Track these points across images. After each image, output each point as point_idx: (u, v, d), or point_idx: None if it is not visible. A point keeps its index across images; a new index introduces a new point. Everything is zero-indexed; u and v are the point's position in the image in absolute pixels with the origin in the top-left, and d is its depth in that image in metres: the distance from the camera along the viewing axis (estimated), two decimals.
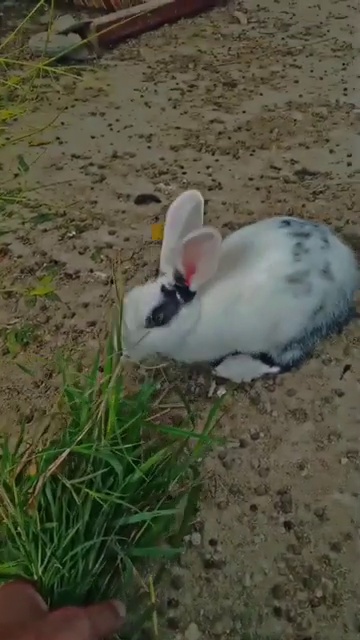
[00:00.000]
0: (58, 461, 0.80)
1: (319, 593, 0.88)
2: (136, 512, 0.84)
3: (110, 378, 0.86)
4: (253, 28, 3.21)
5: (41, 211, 1.72)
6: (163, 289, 1.00)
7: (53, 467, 0.80)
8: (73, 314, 1.37)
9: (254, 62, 2.76)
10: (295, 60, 2.77)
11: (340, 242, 1.16)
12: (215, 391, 1.18)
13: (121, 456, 0.82)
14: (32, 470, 0.84)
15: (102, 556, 0.79)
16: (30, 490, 0.81)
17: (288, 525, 0.96)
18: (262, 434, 1.10)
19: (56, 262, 1.53)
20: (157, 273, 1.04)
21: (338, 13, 3.39)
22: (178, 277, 0.99)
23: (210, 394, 1.18)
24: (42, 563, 0.77)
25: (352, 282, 1.17)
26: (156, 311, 0.99)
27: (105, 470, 0.82)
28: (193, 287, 1.00)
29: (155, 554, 0.90)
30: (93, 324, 1.34)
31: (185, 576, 0.90)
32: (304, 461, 1.06)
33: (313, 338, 1.16)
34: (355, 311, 1.28)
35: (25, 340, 1.28)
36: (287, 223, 1.11)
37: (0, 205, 1.65)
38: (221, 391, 1.18)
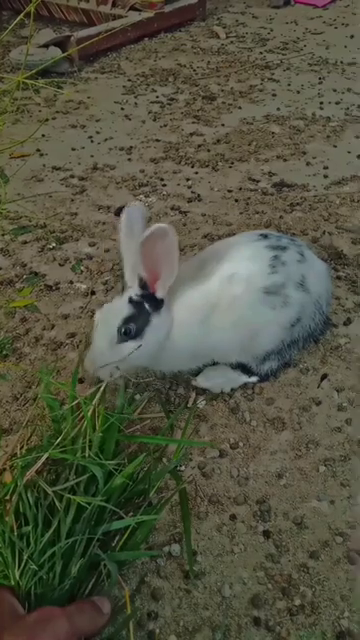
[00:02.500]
0: (36, 466, 0.80)
1: (298, 601, 0.88)
2: (119, 518, 0.83)
3: (94, 392, 0.86)
4: (232, 42, 3.27)
5: (21, 223, 1.72)
6: (130, 300, 1.00)
7: (31, 471, 0.80)
8: (53, 326, 1.37)
9: (233, 76, 2.81)
10: (273, 74, 2.83)
11: (316, 256, 1.19)
12: (195, 401, 1.19)
13: (102, 463, 0.82)
14: (7, 477, 0.84)
15: (83, 560, 0.78)
16: (7, 497, 0.80)
17: (267, 534, 0.97)
18: (241, 443, 1.11)
19: (36, 274, 1.53)
20: (123, 289, 1.04)
21: (314, 29, 3.48)
22: (143, 285, 1.00)
23: (190, 404, 1.18)
24: (19, 567, 0.76)
25: (327, 295, 1.21)
26: (127, 321, 0.99)
27: (86, 476, 0.81)
28: (159, 294, 1.00)
29: (138, 557, 0.89)
30: (73, 336, 1.34)
31: (165, 587, 0.90)
32: (283, 470, 1.07)
33: (290, 350, 1.19)
34: (331, 322, 1.31)
35: (4, 352, 1.27)
36: (265, 236, 1.13)
37: None
38: (201, 401, 1.19)
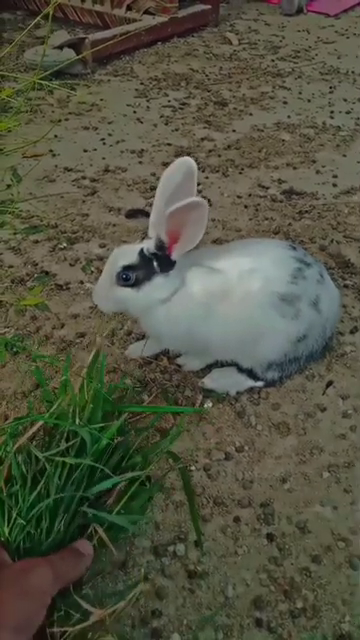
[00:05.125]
0: (30, 431, 0.88)
1: (300, 604, 0.90)
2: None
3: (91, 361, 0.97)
4: (244, 49, 3.30)
5: (33, 222, 1.74)
6: (141, 253, 1.02)
7: (24, 438, 0.87)
8: (63, 325, 1.38)
9: (244, 82, 2.83)
10: (284, 82, 2.85)
11: (331, 281, 1.20)
12: (202, 404, 1.20)
13: (91, 431, 0.89)
14: None
15: (68, 515, 0.84)
16: None
17: (270, 537, 0.98)
18: (247, 447, 1.13)
19: (47, 273, 1.55)
20: (145, 236, 1.06)
21: (326, 38, 3.50)
22: (159, 246, 1.01)
23: (196, 406, 1.20)
24: (8, 524, 0.82)
25: (334, 321, 1.23)
26: (127, 269, 1.02)
27: (75, 441, 0.89)
28: (174, 256, 1.02)
29: (124, 521, 0.90)
30: (82, 335, 1.35)
31: (169, 587, 0.91)
32: (287, 474, 1.08)
33: (291, 365, 1.20)
34: (329, 346, 1.31)
35: (15, 350, 1.29)
36: (294, 248, 1.15)
37: None
38: (207, 404, 1.20)
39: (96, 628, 0.78)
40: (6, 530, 0.82)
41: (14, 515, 0.82)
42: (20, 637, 0.68)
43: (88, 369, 1.01)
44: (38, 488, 0.84)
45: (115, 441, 0.95)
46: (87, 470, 0.88)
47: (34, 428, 0.90)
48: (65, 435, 0.91)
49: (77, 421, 0.92)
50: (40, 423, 0.91)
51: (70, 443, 0.89)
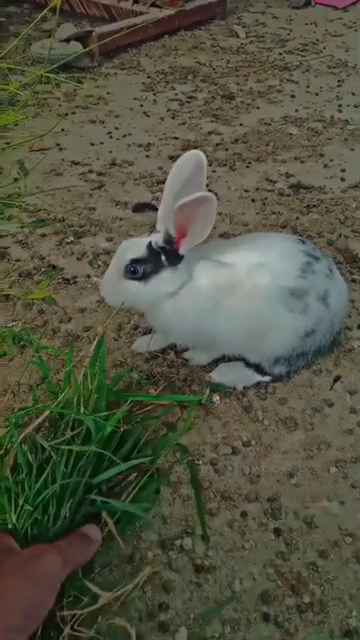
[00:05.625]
0: (37, 421, 0.89)
1: (307, 599, 0.89)
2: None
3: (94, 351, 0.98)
4: (251, 42, 3.27)
5: (40, 216, 1.74)
6: (149, 246, 1.02)
7: (30, 428, 0.88)
8: (70, 319, 1.38)
9: (252, 76, 2.81)
10: (292, 75, 2.83)
11: (340, 276, 1.19)
12: (209, 398, 1.20)
13: (95, 419, 0.90)
14: (1, 432, 0.93)
15: (74, 500, 0.85)
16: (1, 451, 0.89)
17: (277, 532, 0.98)
18: (253, 442, 1.12)
19: (54, 267, 1.55)
20: (153, 229, 1.05)
21: (334, 31, 3.47)
22: (167, 240, 1.01)
23: (203, 401, 1.20)
24: (15, 511, 0.83)
25: (342, 315, 1.22)
26: (135, 262, 1.01)
27: (80, 429, 0.90)
28: (182, 250, 1.01)
29: (135, 509, 0.91)
30: (89, 329, 1.35)
31: (176, 580, 0.91)
32: (294, 469, 1.08)
33: (299, 360, 1.19)
34: (337, 341, 1.30)
35: (22, 343, 1.29)
36: (303, 242, 1.14)
37: None
38: (215, 398, 1.20)
39: (105, 612, 0.79)
40: (13, 517, 0.83)
41: (21, 502, 0.83)
42: (30, 623, 0.69)
43: (91, 359, 1.01)
44: (44, 474, 0.85)
45: (121, 429, 0.95)
46: (93, 458, 0.89)
47: (40, 418, 0.91)
48: (70, 424, 0.92)
49: (82, 410, 0.93)
50: (46, 413, 0.92)
51: (75, 432, 0.90)
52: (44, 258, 1.58)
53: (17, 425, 0.93)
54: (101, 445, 0.90)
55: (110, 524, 0.84)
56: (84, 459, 0.87)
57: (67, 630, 0.75)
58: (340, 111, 2.47)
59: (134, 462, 0.92)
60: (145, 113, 2.44)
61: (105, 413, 0.94)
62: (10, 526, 0.83)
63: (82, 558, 0.81)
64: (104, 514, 0.86)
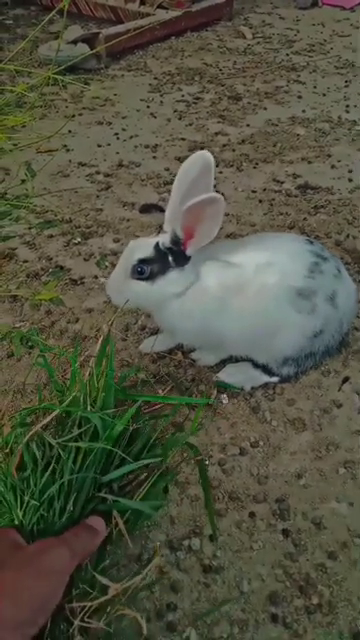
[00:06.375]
0: (45, 420, 0.88)
1: (315, 600, 0.89)
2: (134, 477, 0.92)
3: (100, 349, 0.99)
4: (258, 43, 3.27)
5: (47, 217, 1.75)
6: (156, 247, 1.02)
7: (38, 426, 0.88)
8: (77, 319, 1.39)
9: (259, 76, 2.81)
10: (299, 76, 2.82)
11: (349, 276, 1.19)
12: (216, 398, 1.20)
13: (102, 417, 0.90)
14: (6, 430, 0.93)
15: (80, 495, 0.85)
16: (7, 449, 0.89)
17: (286, 533, 0.98)
18: (262, 442, 1.12)
19: (61, 267, 1.55)
20: (160, 229, 1.05)
21: (341, 31, 3.46)
22: (175, 241, 1.01)
23: (211, 401, 1.20)
24: (21, 508, 0.83)
25: (350, 316, 1.22)
26: (142, 262, 1.01)
27: (88, 426, 0.90)
28: (189, 251, 1.01)
29: (145, 507, 0.91)
30: (97, 330, 1.35)
31: (184, 580, 0.91)
32: (302, 470, 1.07)
33: (307, 361, 1.18)
34: (345, 342, 1.29)
35: (30, 344, 1.29)
36: (311, 242, 1.14)
37: (7, 210, 1.68)
38: (223, 398, 1.20)
39: (114, 605, 0.78)
40: (20, 513, 0.83)
41: (26, 499, 0.83)
42: (39, 616, 0.69)
43: (97, 357, 1.02)
44: (49, 470, 0.85)
45: (131, 428, 0.95)
46: (101, 456, 0.89)
47: (48, 418, 0.90)
48: (77, 423, 0.92)
49: (89, 408, 0.93)
50: (56, 412, 0.91)
51: (82, 429, 0.90)
52: (51, 259, 1.58)
53: (22, 424, 0.94)
54: (110, 443, 0.90)
55: (120, 523, 0.84)
56: (92, 456, 0.87)
57: (77, 622, 0.75)
58: (347, 112, 2.46)
59: (145, 461, 0.92)
60: (152, 114, 2.44)
61: (112, 410, 0.94)
62: (16, 522, 0.83)
63: (89, 549, 0.81)
64: (115, 512, 0.86)
